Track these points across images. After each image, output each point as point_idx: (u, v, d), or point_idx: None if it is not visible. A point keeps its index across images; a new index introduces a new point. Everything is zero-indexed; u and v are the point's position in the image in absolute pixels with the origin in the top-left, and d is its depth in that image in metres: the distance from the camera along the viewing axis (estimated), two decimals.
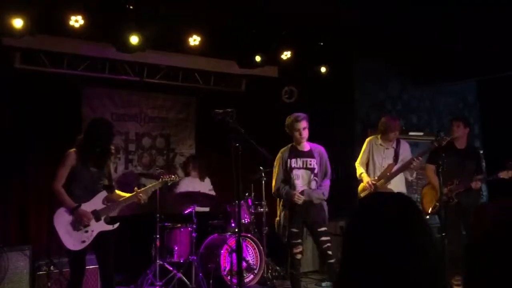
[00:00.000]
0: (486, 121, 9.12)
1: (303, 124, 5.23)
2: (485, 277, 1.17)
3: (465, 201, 5.78)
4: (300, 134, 5.23)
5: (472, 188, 5.78)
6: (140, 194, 4.77)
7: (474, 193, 5.85)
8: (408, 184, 6.13)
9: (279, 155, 5.40)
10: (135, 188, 4.95)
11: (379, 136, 6.03)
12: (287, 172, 5.24)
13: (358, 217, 1.44)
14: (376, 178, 5.86)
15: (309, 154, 5.29)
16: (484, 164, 6.49)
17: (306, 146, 5.32)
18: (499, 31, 6.81)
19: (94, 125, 4.63)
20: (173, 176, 5.37)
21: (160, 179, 5.23)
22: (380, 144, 6.01)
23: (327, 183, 5.33)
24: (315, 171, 5.24)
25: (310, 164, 5.25)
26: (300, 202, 5.10)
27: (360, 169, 6.03)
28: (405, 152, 5.93)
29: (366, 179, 5.87)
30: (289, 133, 5.33)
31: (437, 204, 5.82)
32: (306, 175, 5.23)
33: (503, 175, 5.68)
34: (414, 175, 6.03)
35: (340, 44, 7.36)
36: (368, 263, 1.31)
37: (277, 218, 5.34)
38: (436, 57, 7.74)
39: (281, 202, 5.32)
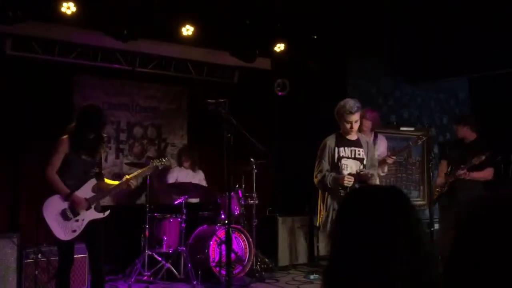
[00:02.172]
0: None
1: (356, 117, 4.80)
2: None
3: (460, 193, 5.78)
4: (351, 127, 4.82)
5: (465, 179, 5.80)
6: (131, 181, 4.71)
7: (470, 186, 5.82)
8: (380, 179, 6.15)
9: (324, 144, 4.95)
10: (126, 176, 4.89)
11: None
12: (335, 162, 4.87)
13: (347, 210, 1.44)
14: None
15: (357, 143, 4.93)
16: None
17: (354, 134, 4.96)
18: (492, 29, 6.83)
19: (85, 111, 4.56)
20: (163, 160, 5.22)
21: (150, 164, 5.13)
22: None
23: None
24: (364, 161, 4.89)
25: (359, 154, 4.89)
26: (350, 184, 4.68)
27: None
28: (381, 147, 5.95)
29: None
30: (337, 120, 4.92)
31: (438, 191, 5.99)
32: (355, 165, 4.87)
33: (475, 160, 5.72)
34: (386, 169, 6.04)
35: (333, 39, 7.36)
36: (357, 255, 1.31)
37: (323, 213, 4.88)
38: (428, 54, 7.76)
39: (327, 196, 4.87)
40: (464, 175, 5.78)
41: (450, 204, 5.86)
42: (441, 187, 6.06)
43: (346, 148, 4.87)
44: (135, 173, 4.90)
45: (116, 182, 4.75)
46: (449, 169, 6.04)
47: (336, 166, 4.84)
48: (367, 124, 5.87)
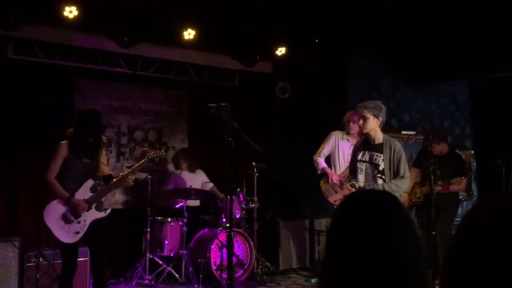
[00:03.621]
0: (477, 122, 9.18)
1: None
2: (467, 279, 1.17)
3: (439, 201, 5.75)
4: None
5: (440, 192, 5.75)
6: (129, 176, 4.68)
7: (446, 195, 5.80)
8: None
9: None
10: (121, 173, 4.88)
11: (345, 132, 6.08)
12: (353, 164, 4.92)
13: (345, 213, 1.46)
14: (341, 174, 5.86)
15: (379, 148, 4.81)
16: (474, 165, 6.54)
17: (379, 138, 4.84)
18: (492, 32, 6.85)
19: (83, 115, 4.59)
20: (159, 152, 5.11)
21: (146, 157, 5.03)
22: (347, 140, 6.01)
23: (397, 183, 4.70)
24: (380, 167, 4.75)
25: (376, 159, 4.79)
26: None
27: (321, 163, 6.01)
28: None
29: (332, 175, 5.87)
30: None
31: (412, 200, 5.94)
32: (370, 170, 4.81)
33: (456, 182, 5.67)
34: None
35: (334, 42, 7.38)
36: (356, 258, 1.32)
37: None
38: (429, 57, 7.77)
39: None
40: (443, 190, 5.74)
41: (426, 213, 5.80)
42: (416, 197, 5.94)
43: (366, 152, 4.87)
44: (132, 168, 4.92)
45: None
46: (418, 179, 5.95)
47: (354, 168, 4.92)
48: (355, 127, 5.85)
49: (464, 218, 1.25)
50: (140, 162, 4.97)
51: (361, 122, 4.80)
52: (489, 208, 1.21)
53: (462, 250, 1.18)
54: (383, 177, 4.74)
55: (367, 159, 4.83)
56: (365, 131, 4.82)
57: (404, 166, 4.74)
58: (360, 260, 1.31)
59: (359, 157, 4.86)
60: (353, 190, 4.77)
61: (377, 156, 4.79)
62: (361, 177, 4.84)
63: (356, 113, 5.57)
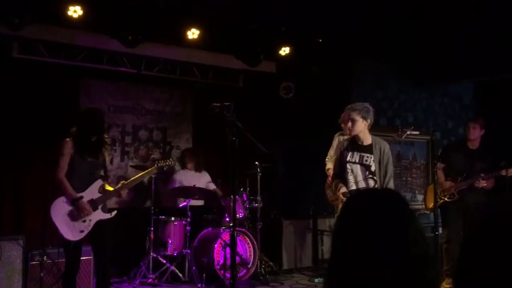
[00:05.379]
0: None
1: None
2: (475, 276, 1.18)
3: (469, 200, 5.75)
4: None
5: (476, 187, 5.77)
6: (123, 190, 4.72)
7: (479, 193, 5.80)
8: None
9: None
10: (122, 181, 4.90)
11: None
12: (342, 165, 4.90)
13: (346, 213, 1.46)
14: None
15: (368, 149, 4.78)
16: None
17: (367, 139, 4.80)
18: (497, 33, 6.82)
19: (86, 115, 4.64)
20: (168, 161, 5.21)
21: (156, 164, 5.13)
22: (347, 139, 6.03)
23: (390, 183, 4.76)
24: (372, 168, 4.73)
25: (366, 160, 4.76)
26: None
27: (328, 164, 6.02)
28: None
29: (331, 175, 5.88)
30: None
31: (438, 200, 5.88)
32: (360, 171, 4.78)
33: (504, 172, 5.71)
34: None
35: (339, 42, 7.37)
36: (355, 258, 1.32)
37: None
38: (434, 58, 7.75)
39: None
40: (487, 185, 5.73)
41: (458, 211, 5.80)
42: (451, 194, 5.93)
43: (355, 153, 4.82)
44: (139, 174, 4.95)
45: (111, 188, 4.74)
46: (459, 178, 5.91)
47: (343, 169, 4.86)
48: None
49: (476, 219, 1.25)
50: (148, 170, 5.03)
51: (349, 124, 4.75)
52: (502, 210, 1.22)
53: (474, 251, 1.19)
54: (375, 178, 4.74)
55: (357, 160, 4.79)
56: (353, 133, 4.78)
57: (392, 167, 4.82)
58: (366, 259, 1.30)
59: (348, 158, 4.81)
60: (345, 199, 4.75)
61: (367, 157, 4.77)
62: (350, 178, 4.81)
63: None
